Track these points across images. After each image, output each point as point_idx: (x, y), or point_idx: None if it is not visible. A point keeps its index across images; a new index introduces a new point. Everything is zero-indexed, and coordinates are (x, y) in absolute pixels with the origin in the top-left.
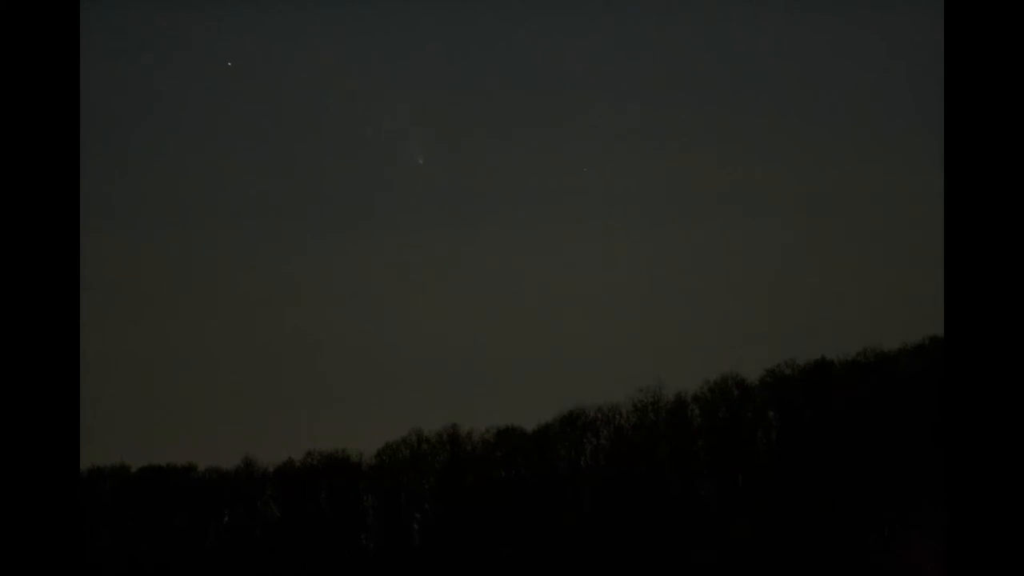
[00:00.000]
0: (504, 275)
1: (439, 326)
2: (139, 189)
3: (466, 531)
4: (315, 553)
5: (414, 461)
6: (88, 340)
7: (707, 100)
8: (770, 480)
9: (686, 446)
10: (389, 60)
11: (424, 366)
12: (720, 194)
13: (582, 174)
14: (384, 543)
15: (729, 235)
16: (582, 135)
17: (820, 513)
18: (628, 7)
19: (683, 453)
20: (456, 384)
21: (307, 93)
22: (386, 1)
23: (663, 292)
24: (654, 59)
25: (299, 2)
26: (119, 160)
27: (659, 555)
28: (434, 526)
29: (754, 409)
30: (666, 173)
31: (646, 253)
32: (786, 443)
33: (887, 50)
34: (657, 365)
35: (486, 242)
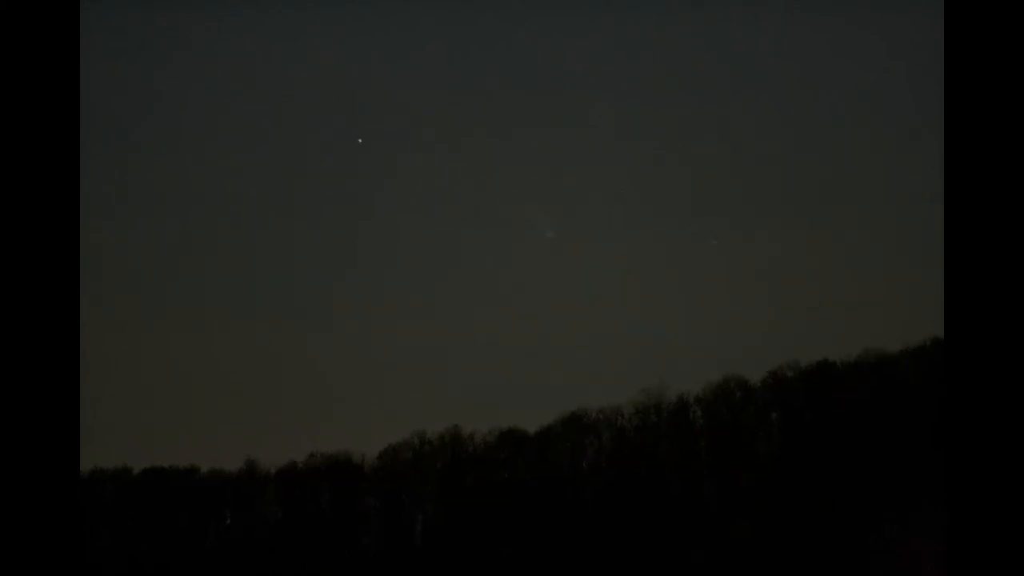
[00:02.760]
0: (506, 276)
1: (441, 327)
2: (139, 189)
3: (468, 532)
4: (317, 554)
5: (416, 463)
6: (88, 340)
7: (707, 100)
8: (771, 481)
9: (688, 447)
10: (389, 60)
11: (426, 368)
12: (722, 195)
13: (583, 175)
14: (386, 544)
15: (730, 236)
16: (582, 135)
17: (820, 513)
18: (628, 7)
19: (685, 454)
20: (458, 385)
21: (307, 93)
22: (386, 1)
23: (664, 293)
24: (654, 59)
25: (299, 2)
26: (119, 160)
27: (660, 556)
28: (436, 527)
29: (756, 411)
30: (667, 173)
31: (648, 253)
32: (788, 444)
33: (887, 50)
34: (659, 366)
35: (488, 242)
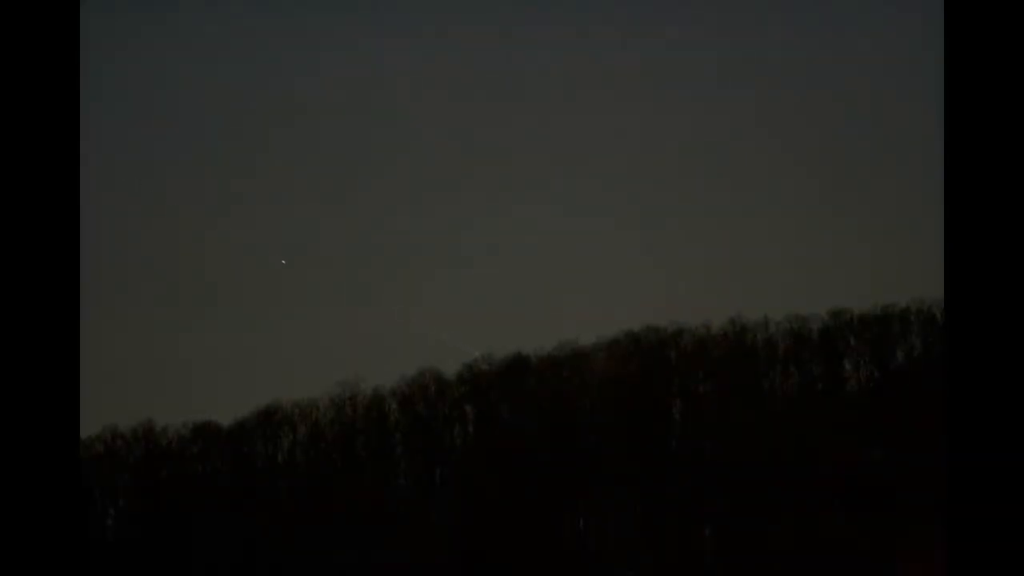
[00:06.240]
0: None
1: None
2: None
3: (162, 524)
4: None
5: (108, 456)
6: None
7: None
8: (466, 472)
9: (383, 440)
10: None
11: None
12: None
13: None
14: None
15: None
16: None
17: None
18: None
19: (380, 447)
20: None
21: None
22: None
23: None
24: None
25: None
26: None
27: (353, 549)
28: (129, 520)
29: (451, 403)
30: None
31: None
32: (482, 436)
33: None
34: (355, 359)
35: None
